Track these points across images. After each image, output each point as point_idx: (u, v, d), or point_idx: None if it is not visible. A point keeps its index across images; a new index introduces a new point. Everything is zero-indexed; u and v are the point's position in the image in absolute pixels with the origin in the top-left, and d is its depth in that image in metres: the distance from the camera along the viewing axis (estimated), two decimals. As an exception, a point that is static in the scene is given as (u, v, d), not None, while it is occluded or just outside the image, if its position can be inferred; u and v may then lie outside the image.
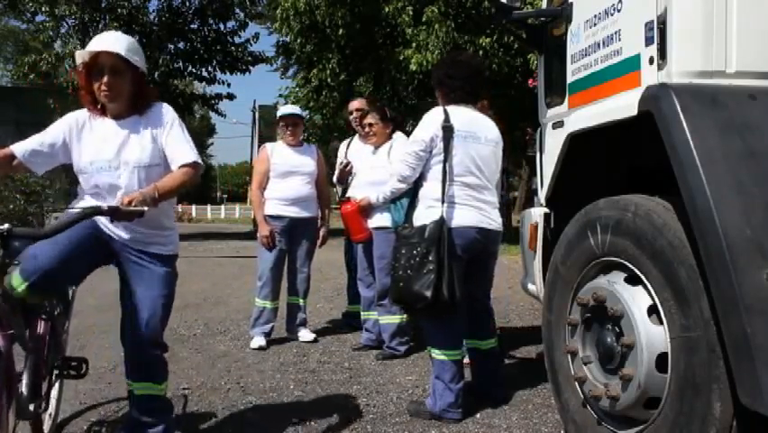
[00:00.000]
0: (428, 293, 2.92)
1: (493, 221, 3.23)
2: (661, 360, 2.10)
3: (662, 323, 2.12)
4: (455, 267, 3.00)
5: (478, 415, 3.16)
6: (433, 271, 2.94)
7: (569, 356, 2.58)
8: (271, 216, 4.54)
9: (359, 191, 4.34)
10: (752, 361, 1.73)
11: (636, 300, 2.21)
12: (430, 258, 2.96)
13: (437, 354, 3.12)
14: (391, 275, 3.16)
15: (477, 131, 3.20)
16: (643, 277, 2.19)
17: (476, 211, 3.15)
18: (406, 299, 3.08)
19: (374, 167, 4.31)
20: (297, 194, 4.58)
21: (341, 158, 4.86)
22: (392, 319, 4.23)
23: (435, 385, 3.12)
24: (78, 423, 3.09)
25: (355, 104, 4.95)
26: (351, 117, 4.89)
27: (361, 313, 4.61)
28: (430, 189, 3.14)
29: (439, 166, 3.10)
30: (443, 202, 3.05)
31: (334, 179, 4.89)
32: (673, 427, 2.03)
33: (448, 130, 3.08)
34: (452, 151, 3.08)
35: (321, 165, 4.76)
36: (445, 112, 3.13)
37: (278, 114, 4.79)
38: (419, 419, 3.11)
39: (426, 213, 3.10)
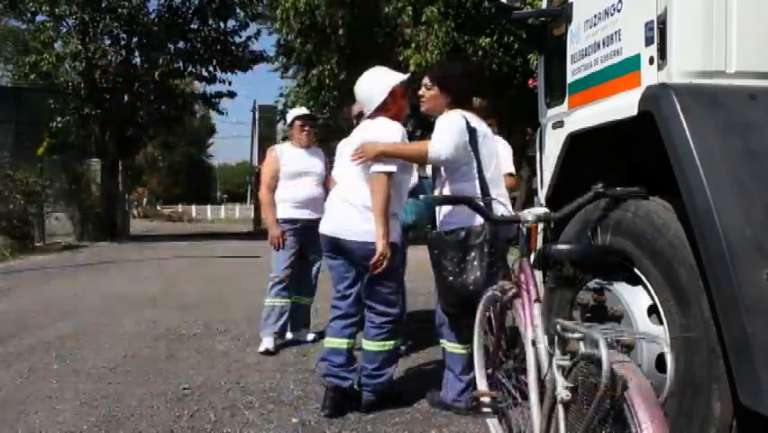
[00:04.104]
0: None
1: (507, 214, 3.21)
2: (661, 360, 2.10)
3: (662, 323, 2.12)
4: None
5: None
6: (501, 267, 2.97)
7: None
8: (285, 220, 4.53)
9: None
10: (752, 361, 1.73)
11: (636, 300, 2.21)
12: (496, 255, 2.97)
13: (451, 347, 3.18)
14: (446, 283, 3.01)
15: (486, 130, 3.22)
16: (643, 277, 2.19)
17: (498, 205, 3.13)
18: (473, 301, 2.88)
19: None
20: (309, 195, 4.57)
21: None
22: None
23: (447, 376, 3.21)
24: (78, 423, 3.10)
25: (356, 108, 4.88)
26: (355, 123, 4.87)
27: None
28: (465, 189, 3.07)
29: (469, 166, 3.09)
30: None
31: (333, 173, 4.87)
32: (673, 427, 2.03)
33: (473, 131, 3.09)
34: (479, 150, 3.09)
35: (327, 167, 4.77)
36: (464, 116, 3.13)
37: (294, 114, 4.75)
38: (420, 419, 3.13)
39: (469, 212, 2.89)
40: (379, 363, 3.22)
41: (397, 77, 3.26)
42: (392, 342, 3.26)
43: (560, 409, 1.76)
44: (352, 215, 3.17)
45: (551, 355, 1.89)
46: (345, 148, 3.37)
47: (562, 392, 1.76)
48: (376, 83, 3.24)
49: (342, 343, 3.29)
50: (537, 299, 2.24)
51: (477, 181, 3.08)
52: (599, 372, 1.58)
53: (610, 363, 1.51)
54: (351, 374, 3.26)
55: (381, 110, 3.22)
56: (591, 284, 2.47)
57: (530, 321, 2.22)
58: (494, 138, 3.33)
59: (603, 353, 1.51)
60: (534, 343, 2.14)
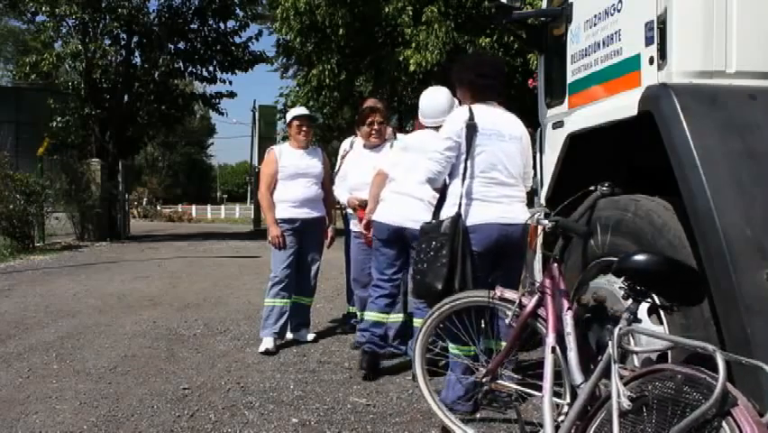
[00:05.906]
0: (439, 285, 2.96)
1: (516, 216, 3.16)
2: (661, 360, 2.10)
3: (662, 323, 2.12)
4: (471, 262, 3.03)
5: (478, 415, 3.16)
6: (445, 264, 2.98)
7: (569, 356, 2.57)
8: (283, 220, 4.55)
9: (359, 192, 4.35)
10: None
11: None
12: (443, 252, 3.00)
13: (451, 348, 3.16)
14: (413, 268, 3.28)
15: (501, 129, 3.18)
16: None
17: (498, 206, 3.12)
18: (420, 292, 3.18)
19: (376, 167, 4.30)
20: (307, 196, 4.60)
21: (342, 156, 4.90)
22: (397, 318, 4.22)
23: (449, 378, 3.19)
24: (78, 423, 3.10)
25: (370, 107, 4.74)
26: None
27: (357, 313, 4.61)
28: (454, 187, 3.15)
29: (460, 167, 3.11)
30: (463, 199, 3.07)
31: (335, 176, 4.89)
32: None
33: (472, 128, 3.09)
34: (475, 148, 3.09)
35: (326, 167, 4.78)
36: (470, 110, 3.13)
37: (293, 114, 4.74)
38: (420, 419, 3.12)
39: (448, 210, 3.14)
40: None
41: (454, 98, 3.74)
42: None
43: (615, 418, 1.78)
44: (416, 206, 3.61)
45: (614, 363, 1.88)
46: (405, 150, 3.83)
47: (624, 401, 1.76)
48: (447, 102, 3.71)
49: (383, 317, 3.83)
50: (570, 307, 2.26)
51: (461, 180, 3.09)
52: (678, 385, 1.65)
53: (725, 379, 1.53)
54: (386, 343, 3.80)
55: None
56: (591, 284, 2.48)
57: (554, 327, 2.26)
58: (515, 138, 3.20)
59: (721, 368, 1.52)
60: (553, 350, 2.20)
